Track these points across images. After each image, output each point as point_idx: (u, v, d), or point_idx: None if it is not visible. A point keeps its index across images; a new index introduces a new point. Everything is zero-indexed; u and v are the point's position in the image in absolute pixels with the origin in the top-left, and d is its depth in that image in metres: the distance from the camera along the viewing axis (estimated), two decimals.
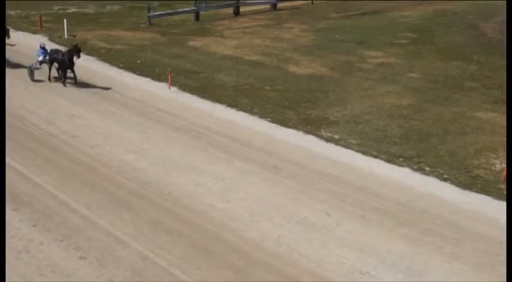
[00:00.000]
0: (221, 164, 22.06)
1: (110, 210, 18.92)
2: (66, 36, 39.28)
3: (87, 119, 26.22)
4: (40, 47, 30.84)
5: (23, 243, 17.01)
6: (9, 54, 32.76)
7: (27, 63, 31.02)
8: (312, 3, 49.67)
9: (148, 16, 43.77)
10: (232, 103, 27.76)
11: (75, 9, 48.61)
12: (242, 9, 47.48)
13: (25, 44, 36.38)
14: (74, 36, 39.51)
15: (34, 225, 17.90)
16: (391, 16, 43.97)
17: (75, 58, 29.26)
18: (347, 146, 23.42)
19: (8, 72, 30.46)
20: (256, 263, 16.46)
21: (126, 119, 26.17)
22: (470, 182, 20.44)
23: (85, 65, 32.41)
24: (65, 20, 39.60)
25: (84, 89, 29.47)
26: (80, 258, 16.59)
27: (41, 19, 41.91)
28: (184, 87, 29.98)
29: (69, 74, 29.73)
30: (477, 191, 19.90)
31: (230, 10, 47.21)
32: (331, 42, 37.82)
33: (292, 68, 33.02)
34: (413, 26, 41.24)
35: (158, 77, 31.39)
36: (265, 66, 33.42)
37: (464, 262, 16.45)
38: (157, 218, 18.52)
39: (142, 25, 43.63)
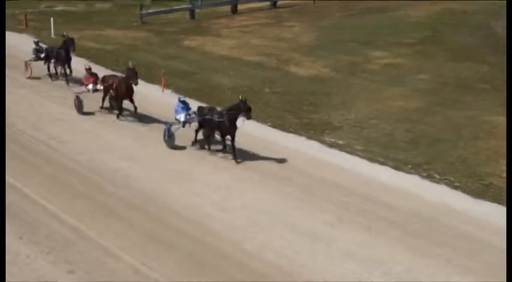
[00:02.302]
0: (218, 171, 22.09)
1: (100, 221, 18.94)
2: (53, 36, 39.34)
3: (76, 124, 26.25)
4: (179, 100, 24.56)
5: (10, 256, 17.00)
6: None
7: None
8: (314, 2, 49.64)
9: (140, 14, 43.86)
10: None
11: (63, 8, 48.72)
12: (240, 7, 47.57)
13: (10, 43, 36.42)
14: (62, 35, 39.55)
15: (20, 238, 17.93)
16: (398, 15, 44.08)
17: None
18: (352, 152, 23.46)
19: None
20: (256, 276, 16.48)
21: (118, 124, 26.20)
22: (483, 190, 20.47)
23: (73, 66, 32.41)
24: (51, 18, 39.65)
25: (72, 93, 29.48)
26: (69, 272, 16.59)
27: (26, 18, 41.98)
28: (179, 90, 30.00)
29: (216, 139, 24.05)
30: (490, 200, 19.93)
31: (227, 8, 47.30)
32: (334, 42, 37.90)
33: (293, 69, 33.08)
34: (422, 25, 41.34)
35: (151, 79, 31.42)
36: (265, 67, 33.48)
37: (476, 275, 16.47)
38: (151, 229, 18.54)
39: (134, 24, 43.70)
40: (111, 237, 18.07)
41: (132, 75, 25.13)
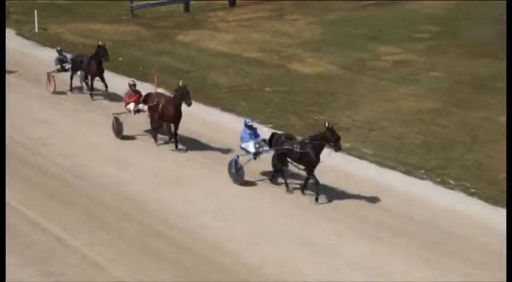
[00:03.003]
0: (214, 177, 22.08)
1: (86, 230, 18.92)
2: (36, 30, 39.37)
3: (61, 125, 26.25)
4: (245, 124, 22.05)
5: None
6: None
7: None
8: None
9: (131, 7, 43.86)
10: (228, 107, 27.81)
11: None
12: None
13: None
14: (46, 29, 39.62)
15: None
16: (410, 7, 44.02)
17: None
18: (360, 156, 23.45)
19: None
20: None
21: (106, 125, 26.19)
22: (501, 197, 20.44)
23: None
24: (35, 11, 39.68)
25: (56, 91, 29.52)
26: None
27: (7, 10, 41.97)
28: (172, 89, 29.89)
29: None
30: (509, 207, 19.87)
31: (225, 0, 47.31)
32: (341, 37, 37.88)
33: (296, 67, 33.08)
34: (435, 19, 41.27)
35: (142, 77, 31.36)
36: (265, 65, 33.48)
37: None
38: (142, 240, 18.52)
39: (124, 17, 43.70)
40: (97, 248, 18.05)
41: (184, 95, 23.24)
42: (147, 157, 23.49)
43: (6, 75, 30.87)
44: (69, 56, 30.07)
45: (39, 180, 21.92)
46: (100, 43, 28.43)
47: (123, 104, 25.45)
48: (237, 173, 21.31)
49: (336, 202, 20.45)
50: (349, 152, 23.69)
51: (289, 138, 21.17)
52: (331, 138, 20.17)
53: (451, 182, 21.58)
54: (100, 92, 28.96)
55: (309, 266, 17.33)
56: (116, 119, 24.97)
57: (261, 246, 18.22)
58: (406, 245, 18.28)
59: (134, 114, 24.82)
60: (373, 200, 20.50)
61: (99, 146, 24.47)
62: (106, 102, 28.57)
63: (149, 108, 24.27)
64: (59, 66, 29.64)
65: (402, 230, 18.97)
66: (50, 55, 33.69)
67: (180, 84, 23.69)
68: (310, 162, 20.36)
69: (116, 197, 20.81)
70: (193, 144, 24.40)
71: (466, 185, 21.35)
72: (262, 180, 21.75)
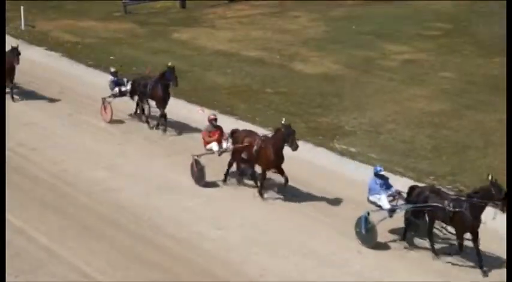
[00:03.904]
0: (213, 184, 22.08)
1: (76, 239, 18.94)
2: (23, 27, 39.40)
3: (49, 129, 26.26)
4: (375, 173, 19.47)
5: None
6: None
7: None
8: None
9: (123, 3, 43.90)
10: (227, 109, 27.81)
11: None
12: None
13: None
14: (33, 26, 39.65)
15: None
16: (420, 2, 44.07)
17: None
18: (366, 161, 23.44)
19: None
20: None
21: (97, 128, 26.22)
22: None
23: (46, 61, 32.62)
24: (22, 7, 39.72)
25: (45, 92, 29.53)
26: None
27: None
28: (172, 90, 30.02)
29: None
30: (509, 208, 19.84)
31: None
32: (346, 35, 37.92)
33: (298, 66, 33.11)
34: (446, 15, 41.34)
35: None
36: (266, 64, 33.51)
37: None
38: (135, 249, 18.53)
39: (117, 14, 43.73)
40: (87, 258, 18.07)
41: (289, 135, 20.30)
42: (140, 162, 23.49)
43: None
44: (124, 78, 27.34)
45: (28, 187, 21.93)
46: (169, 64, 25.76)
47: (201, 143, 22.47)
48: (367, 234, 18.55)
49: (339, 210, 20.46)
50: (355, 157, 23.72)
51: (436, 192, 18.41)
52: (496, 196, 17.43)
53: (463, 188, 21.57)
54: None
55: (312, 277, 17.34)
56: (196, 162, 21.89)
57: (261, 256, 18.23)
58: (415, 256, 18.29)
59: (219, 155, 21.95)
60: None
61: (92, 151, 24.47)
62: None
63: (236, 150, 21.57)
64: (116, 91, 26.87)
65: (411, 240, 18.96)
66: (38, 54, 33.86)
67: (283, 122, 20.65)
68: (466, 225, 17.66)
69: (108, 204, 20.82)
70: (188, 148, 24.40)
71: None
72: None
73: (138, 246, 18.64)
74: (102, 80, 30.98)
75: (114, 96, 26.75)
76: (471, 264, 17.86)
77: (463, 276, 17.55)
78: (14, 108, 27.89)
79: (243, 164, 21.82)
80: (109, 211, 20.44)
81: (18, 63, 27.61)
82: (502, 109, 27.12)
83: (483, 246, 18.30)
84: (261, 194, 21.02)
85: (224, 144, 22.05)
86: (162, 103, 25.67)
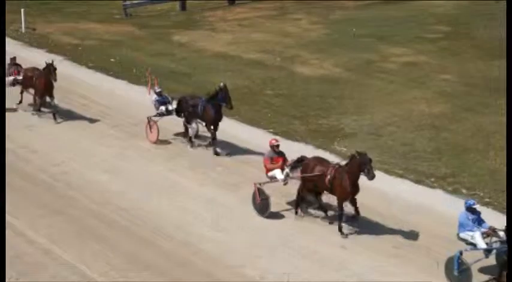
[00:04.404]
0: (212, 185, 22.11)
1: (77, 242, 18.94)
2: (23, 30, 39.42)
3: (50, 131, 26.27)
4: (467, 207, 17.91)
5: None
6: None
7: None
8: None
9: (124, 5, 43.92)
10: (226, 111, 27.78)
11: None
12: None
13: None
14: (34, 29, 39.68)
15: None
16: (420, 5, 44.09)
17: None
18: None
19: None
20: None
21: (97, 131, 26.23)
22: None
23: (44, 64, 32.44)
24: (22, 9, 39.73)
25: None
26: None
27: None
28: (168, 92, 29.99)
29: None
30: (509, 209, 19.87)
31: None
32: (346, 37, 37.91)
33: (299, 69, 33.11)
34: (448, 17, 41.35)
35: (136, 80, 31.47)
36: (267, 66, 33.51)
37: None
38: (135, 252, 18.54)
39: (117, 16, 43.77)
40: (88, 260, 18.07)
41: (365, 164, 19.07)
42: (141, 164, 23.50)
43: None
44: (169, 97, 26.10)
45: (27, 188, 21.94)
46: (221, 84, 24.40)
47: (263, 169, 20.91)
48: (460, 276, 17.17)
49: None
50: None
51: None
52: None
53: (464, 191, 21.60)
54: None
55: (313, 280, 17.34)
56: (260, 192, 20.27)
57: (263, 258, 18.24)
58: (415, 257, 18.30)
59: (285, 184, 20.55)
60: (379, 210, 20.50)
61: (91, 152, 24.49)
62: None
63: (305, 179, 19.97)
64: (162, 109, 25.58)
65: (411, 241, 18.98)
66: (40, 57, 33.84)
67: (358, 150, 19.45)
68: None
69: (108, 206, 20.83)
70: (192, 153, 24.41)
71: (479, 194, 21.37)
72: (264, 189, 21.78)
73: (139, 248, 18.65)
74: (101, 82, 31.10)
75: (160, 115, 25.49)
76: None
77: None
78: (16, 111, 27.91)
79: (309, 193, 20.27)
80: (110, 213, 20.46)
81: (55, 79, 26.57)
82: (502, 111, 27.12)
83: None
84: (340, 229, 19.24)
85: (289, 171, 20.33)
86: (214, 125, 24.28)
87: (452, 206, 20.72)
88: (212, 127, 24.29)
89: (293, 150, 24.32)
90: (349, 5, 44.72)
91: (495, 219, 19.97)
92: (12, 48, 35.86)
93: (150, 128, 25.38)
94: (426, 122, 26.72)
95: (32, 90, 27.49)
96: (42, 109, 27.45)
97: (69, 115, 27.70)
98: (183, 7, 45.59)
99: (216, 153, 24.12)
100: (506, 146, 21.58)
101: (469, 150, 24.29)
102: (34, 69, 27.57)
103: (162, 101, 25.70)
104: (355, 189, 19.30)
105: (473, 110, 27.73)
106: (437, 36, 37.71)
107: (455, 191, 21.60)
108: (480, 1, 43.49)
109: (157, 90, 25.90)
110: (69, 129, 26.48)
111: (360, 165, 18.97)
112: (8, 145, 24.62)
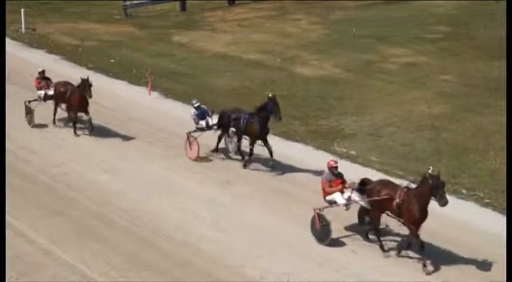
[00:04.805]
0: (213, 186, 22.12)
1: (77, 242, 18.95)
2: (23, 30, 39.44)
3: (49, 131, 26.28)
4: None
5: None
6: None
7: None
8: None
9: (124, 6, 43.97)
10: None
11: None
12: None
13: None
14: (34, 29, 39.70)
15: None
16: (420, 5, 44.13)
17: None
18: (366, 163, 23.48)
19: None
20: None
21: (97, 131, 26.23)
22: None
23: (45, 65, 32.47)
24: (22, 10, 39.75)
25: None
26: None
27: None
28: (168, 93, 30.07)
29: None
30: (509, 209, 19.89)
31: None
32: (346, 38, 37.94)
33: (299, 69, 33.13)
34: (448, 17, 41.38)
35: (136, 80, 31.50)
36: (267, 67, 33.53)
37: None
38: (135, 252, 18.55)
39: (117, 17, 43.81)
40: (88, 261, 18.08)
41: (437, 188, 17.54)
42: (141, 165, 23.51)
43: None
44: (209, 110, 24.54)
45: (27, 189, 21.96)
46: (270, 95, 22.94)
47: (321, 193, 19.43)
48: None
49: (340, 212, 20.45)
50: (355, 159, 23.74)
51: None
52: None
53: (464, 191, 21.62)
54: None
55: (313, 280, 17.35)
56: (320, 218, 18.91)
57: (263, 259, 18.25)
58: (415, 257, 18.28)
59: (347, 209, 19.22)
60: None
61: (91, 153, 24.50)
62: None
63: (376, 204, 18.43)
64: (202, 124, 24.10)
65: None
66: (39, 57, 33.94)
67: (430, 171, 17.62)
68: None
69: (108, 207, 20.85)
70: (184, 152, 24.41)
71: (480, 194, 21.39)
72: (263, 189, 21.79)
73: (139, 249, 18.66)
74: (101, 83, 30.97)
75: (201, 130, 24.04)
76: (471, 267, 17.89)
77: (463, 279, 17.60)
78: (13, 111, 27.88)
79: (366, 216, 19.04)
80: (110, 214, 20.46)
81: (90, 96, 25.15)
82: (502, 112, 27.15)
83: (483, 249, 18.39)
84: (424, 264, 17.73)
85: (347, 195, 19.03)
86: (262, 139, 22.96)
87: (452, 207, 20.75)
88: (262, 142, 23.01)
89: (293, 150, 24.39)
90: (349, 5, 44.77)
91: (495, 219, 20.06)
92: (13, 48, 35.99)
93: (190, 144, 23.89)
94: (426, 122, 26.73)
95: (63, 105, 26.34)
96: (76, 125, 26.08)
97: (67, 115, 27.69)
98: (183, 7, 45.64)
99: (271, 166, 23.03)
100: (506, 147, 21.65)
101: (469, 150, 24.30)
102: (66, 83, 26.37)
103: (201, 115, 24.19)
104: (425, 215, 17.74)
105: (473, 111, 27.75)
106: (437, 37, 37.74)
107: (455, 192, 21.59)
108: (480, 1, 43.57)
109: (196, 104, 24.24)
110: (68, 129, 26.44)
111: (432, 189, 17.46)
112: (8, 145, 24.66)
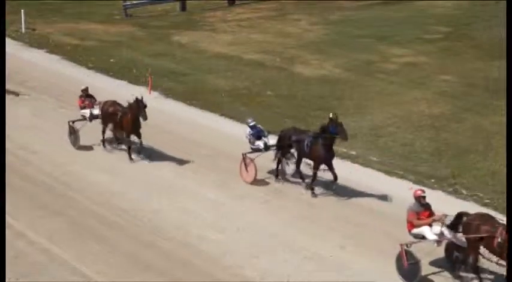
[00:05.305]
0: (213, 186, 22.10)
1: (76, 242, 18.94)
2: (23, 30, 39.43)
3: (49, 131, 26.27)
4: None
5: None
6: None
7: None
8: None
9: (124, 6, 43.98)
10: (227, 112, 27.83)
11: None
12: None
13: None
14: (34, 29, 39.69)
15: None
16: (420, 5, 44.16)
17: None
18: (366, 164, 23.47)
19: None
20: None
21: (97, 131, 26.19)
22: None
23: (46, 65, 32.65)
24: (22, 10, 39.75)
25: (45, 95, 29.55)
26: None
27: None
28: (168, 92, 30.07)
29: None
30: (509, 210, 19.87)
31: None
32: (346, 38, 37.96)
33: (299, 69, 33.12)
34: (448, 17, 41.38)
35: (136, 80, 31.50)
36: (266, 67, 33.53)
37: None
38: (135, 252, 18.54)
39: (117, 17, 43.83)
40: (88, 261, 18.07)
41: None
42: (141, 165, 23.50)
43: None
44: (265, 130, 23.04)
45: (27, 189, 21.95)
46: (331, 115, 21.23)
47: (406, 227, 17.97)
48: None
49: (340, 213, 20.47)
50: (355, 159, 23.73)
51: None
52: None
53: (464, 192, 21.60)
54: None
55: (313, 280, 17.34)
56: (408, 255, 17.28)
57: (262, 259, 18.24)
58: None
59: (438, 245, 17.55)
60: (380, 211, 20.51)
61: (91, 153, 24.49)
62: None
63: (473, 241, 16.73)
64: (260, 145, 22.55)
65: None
66: (39, 57, 33.92)
67: None
68: None
69: (108, 207, 20.84)
70: (191, 153, 24.41)
71: (479, 195, 21.37)
72: (263, 189, 21.77)
73: (139, 249, 18.65)
74: (101, 83, 31.10)
75: (258, 151, 22.46)
76: None
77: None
78: (13, 111, 27.89)
79: (456, 251, 17.50)
80: (110, 214, 20.45)
81: (146, 118, 23.07)
82: (503, 112, 27.13)
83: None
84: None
85: (438, 229, 17.36)
86: (327, 164, 21.19)
87: (452, 207, 20.75)
88: (327, 167, 21.26)
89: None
90: (349, 6, 44.77)
91: None
92: (13, 48, 35.98)
93: (246, 166, 22.26)
94: (426, 122, 26.72)
95: (110, 125, 24.32)
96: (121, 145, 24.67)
97: (67, 115, 27.67)
98: (183, 8, 45.66)
99: (312, 193, 21.32)
100: (506, 147, 21.63)
101: (469, 150, 24.29)
102: (114, 103, 24.20)
103: (257, 134, 22.64)
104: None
105: (474, 111, 27.74)
106: (437, 37, 37.76)
107: (455, 192, 21.60)
108: (480, 1, 43.59)
109: (251, 123, 22.67)
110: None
111: None
112: (8, 146, 24.63)
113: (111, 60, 34.41)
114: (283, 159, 22.32)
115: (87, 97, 25.38)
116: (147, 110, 23.07)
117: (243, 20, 42.51)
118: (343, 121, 26.55)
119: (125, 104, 23.67)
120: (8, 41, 35.65)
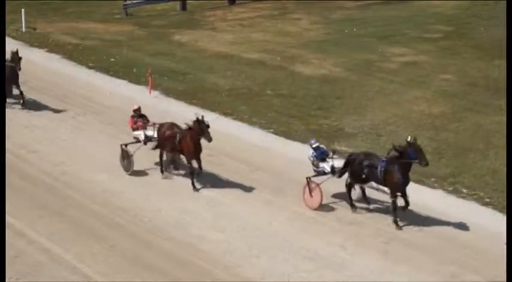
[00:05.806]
0: (212, 186, 22.06)
1: (76, 242, 18.91)
2: (24, 29, 39.40)
3: (50, 131, 26.25)
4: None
5: None
6: None
7: None
8: None
9: (124, 5, 43.93)
10: (227, 111, 27.81)
11: None
12: None
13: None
14: (34, 29, 39.66)
15: None
16: (420, 5, 44.15)
17: None
18: None
19: None
20: None
21: (97, 130, 26.21)
22: None
23: (47, 64, 32.61)
24: (22, 9, 39.72)
25: (45, 95, 29.53)
26: None
27: None
28: (168, 92, 30.03)
29: None
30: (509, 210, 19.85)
31: None
32: (347, 37, 37.94)
33: (299, 68, 33.10)
34: (448, 17, 41.38)
35: (136, 79, 31.45)
36: (267, 66, 33.50)
37: None
38: (135, 252, 18.51)
39: (117, 16, 43.79)
40: (88, 261, 18.04)
41: None
42: (141, 165, 23.45)
43: None
44: (329, 151, 21.49)
45: (27, 189, 21.92)
46: (408, 139, 19.74)
47: None
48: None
49: (340, 212, 20.44)
50: None
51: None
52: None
53: (464, 191, 21.58)
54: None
55: (313, 280, 17.32)
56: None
57: (262, 259, 18.21)
58: (416, 258, 18.25)
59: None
60: (381, 210, 20.47)
61: (91, 152, 24.46)
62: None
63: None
64: (326, 168, 20.98)
65: (412, 242, 18.95)
66: (40, 56, 33.83)
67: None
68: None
69: (108, 207, 20.81)
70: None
71: (480, 194, 21.35)
72: (263, 189, 21.74)
73: (139, 249, 18.62)
74: (101, 82, 31.06)
75: (322, 174, 20.99)
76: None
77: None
78: (13, 110, 27.86)
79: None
80: (109, 213, 20.42)
81: (210, 139, 21.12)
82: (503, 111, 27.12)
83: (484, 248, 18.33)
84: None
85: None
86: (402, 192, 19.64)
87: (452, 206, 20.73)
88: (400, 194, 19.66)
89: (293, 149, 24.32)
90: (349, 5, 44.74)
91: (495, 219, 20.01)
92: (12, 48, 35.93)
93: (311, 191, 20.67)
94: (426, 122, 26.71)
95: (167, 148, 22.39)
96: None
97: (67, 115, 27.68)
98: (184, 7, 45.62)
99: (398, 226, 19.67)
100: (506, 146, 21.63)
101: (469, 150, 24.27)
102: (173, 126, 22.28)
103: (320, 156, 21.16)
104: None
105: (473, 110, 27.73)
106: (437, 36, 37.75)
107: (455, 191, 21.58)
108: (480, 1, 43.58)
109: (314, 144, 21.22)
110: (69, 129, 26.42)
111: None
112: (8, 145, 24.61)
113: (112, 59, 34.38)
114: (354, 185, 20.71)
115: (139, 117, 23.38)
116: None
117: (243, 19, 42.49)
118: (343, 121, 26.77)
119: (183, 126, 21.91)
120: (8, 40, 35.55)
